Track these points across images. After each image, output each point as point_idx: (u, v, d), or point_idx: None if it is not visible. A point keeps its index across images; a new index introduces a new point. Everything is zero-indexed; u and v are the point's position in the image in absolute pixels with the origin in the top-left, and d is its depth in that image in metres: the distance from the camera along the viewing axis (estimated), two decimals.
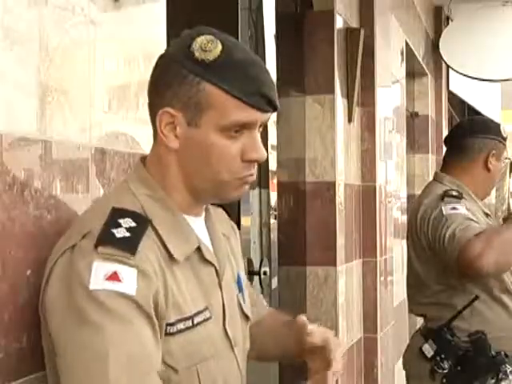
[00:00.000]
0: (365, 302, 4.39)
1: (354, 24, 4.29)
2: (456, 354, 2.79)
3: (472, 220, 2.78)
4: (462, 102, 9.69)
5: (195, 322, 1.34)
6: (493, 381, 2.77)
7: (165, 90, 1.35)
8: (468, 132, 3.05)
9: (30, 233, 1.35)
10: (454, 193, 2.89)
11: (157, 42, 1.83)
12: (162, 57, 1.40)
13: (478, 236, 2.68)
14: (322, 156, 3.83)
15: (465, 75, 7.15)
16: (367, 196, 4.42)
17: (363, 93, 4.36)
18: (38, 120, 1.39)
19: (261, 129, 1.39)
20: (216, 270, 1.43)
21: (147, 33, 1.80)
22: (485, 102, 10.00)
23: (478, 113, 10.36)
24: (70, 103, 1.47)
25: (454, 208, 2.82)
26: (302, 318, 1.55)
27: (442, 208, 2.84)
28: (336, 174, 3.84)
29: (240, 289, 1.54)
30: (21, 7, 1.34)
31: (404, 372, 3.10)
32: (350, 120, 4.14)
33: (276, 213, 3.81)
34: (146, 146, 1.79)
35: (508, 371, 2.77)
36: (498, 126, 3.08)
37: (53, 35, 1.42)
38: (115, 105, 1.65)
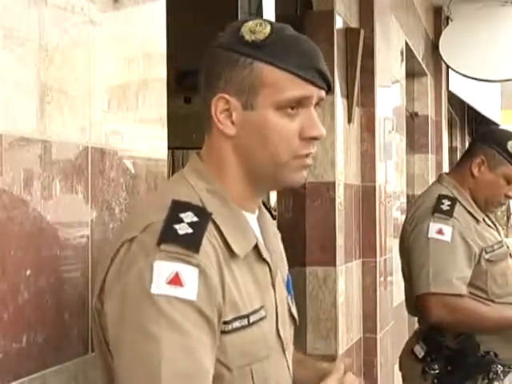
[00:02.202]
0: (364, 302, 4.39)
1: (354, 24, 4.29)
2: (445, 355, 2.79)
3: (456, 250, 2.76)
4: (462, 102, 9.70)
5: (251, 320, 1.31)
6: (485, 381, 2.76)
7: (217, 78, 1.34)
8: (476, 137, 3.10)
9: (30, 233, 1.35)
10: (446, 206, 2.83)
11: (157, 42, 1.83)
12: (210, 48, 1.38)
13: (450, 304, 2.71)
14: (322, 156, 3.82)
15: (464, 75, 7.16)
16: (367, 196, 4.42)
17: (363, 93, 4.36)
18: (38, 120, 1.39)
19: (317, 107, 1.37)
20: (270, 270, 1.40)
21: (147, 33, 1.79)
22: (485, 101, 10.02)
23: (478, 113, 10.37)
24: (69, 103, 1.47)
25: (440, 231, 2.79)
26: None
27: (430, 226, 2.81)
28: (336, 174, 3.84)
29: (288, 291, 1.51)
30: (21, 7, 1.34)
31: None
32: (349, 120, 4.14)
33: (276, 213, 3.80)
34: (146, 145, 1.79)
35: (499, 371, 2.76)
36: (506, 139, 2.89)
37: (53, 35, 1.42)
38: (115, 105, 1.64)
